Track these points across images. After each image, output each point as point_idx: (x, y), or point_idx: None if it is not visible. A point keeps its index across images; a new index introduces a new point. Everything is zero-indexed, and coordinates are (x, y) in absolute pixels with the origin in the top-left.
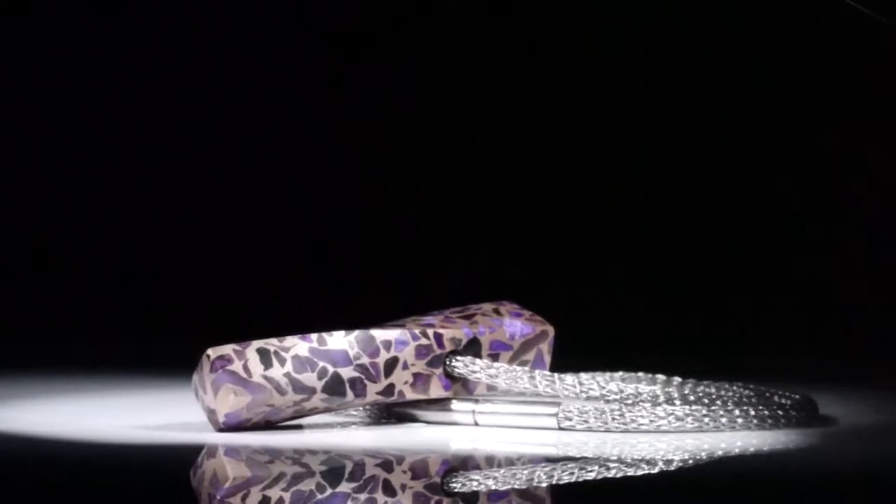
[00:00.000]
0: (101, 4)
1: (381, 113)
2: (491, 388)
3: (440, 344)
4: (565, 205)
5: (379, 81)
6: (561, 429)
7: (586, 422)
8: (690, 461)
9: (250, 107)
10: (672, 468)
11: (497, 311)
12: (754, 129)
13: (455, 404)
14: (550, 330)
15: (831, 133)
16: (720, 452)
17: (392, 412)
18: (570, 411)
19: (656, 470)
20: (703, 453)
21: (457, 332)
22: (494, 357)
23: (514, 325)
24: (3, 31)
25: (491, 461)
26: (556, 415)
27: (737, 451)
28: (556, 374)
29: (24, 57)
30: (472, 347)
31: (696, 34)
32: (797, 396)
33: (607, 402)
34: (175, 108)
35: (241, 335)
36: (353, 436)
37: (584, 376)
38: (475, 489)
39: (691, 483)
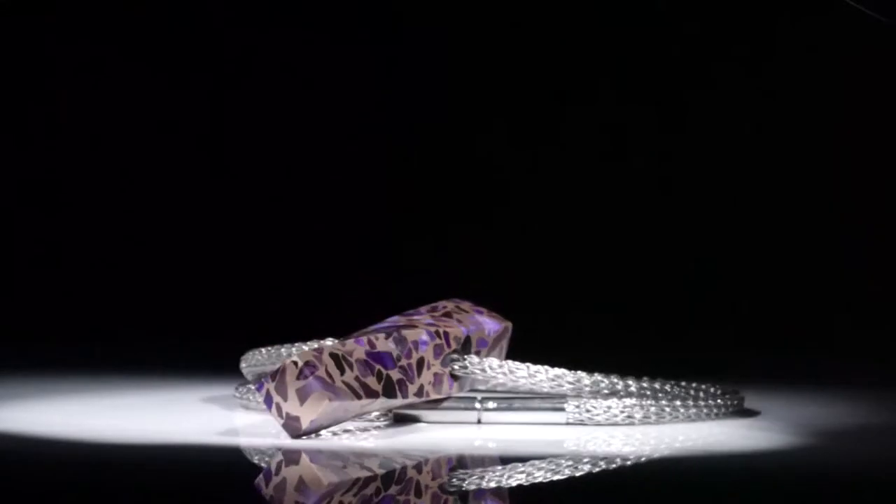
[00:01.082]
0: (103, 4)
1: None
2: (474, 383)
3: (448, 343)
4: (531, 205)
5: (373, 82)
6: (568, 424)
7: (594, 417)
8: (686, 455)
9: (244, 107)
10: (675, 464)
11: (463, 309)
12: (724, 125)
13: (459, 403)
14: (510, 325)
15: (821, 133)
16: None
17: (394, 414)
18: (577, 406)
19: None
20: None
21: (457, 330)
22: (478, 354)
23: (486, 322)
24: (7, 32)
25: (496, 460)
26: (564, 410)
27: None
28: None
29: (26, 56)
30: (466, 346)
31: (693, 32)
32: (719, 388)
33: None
34: (174, 109)
35: (239, 336)
36: (370, 437)
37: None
38: (473, 488)
39: (692, 480)
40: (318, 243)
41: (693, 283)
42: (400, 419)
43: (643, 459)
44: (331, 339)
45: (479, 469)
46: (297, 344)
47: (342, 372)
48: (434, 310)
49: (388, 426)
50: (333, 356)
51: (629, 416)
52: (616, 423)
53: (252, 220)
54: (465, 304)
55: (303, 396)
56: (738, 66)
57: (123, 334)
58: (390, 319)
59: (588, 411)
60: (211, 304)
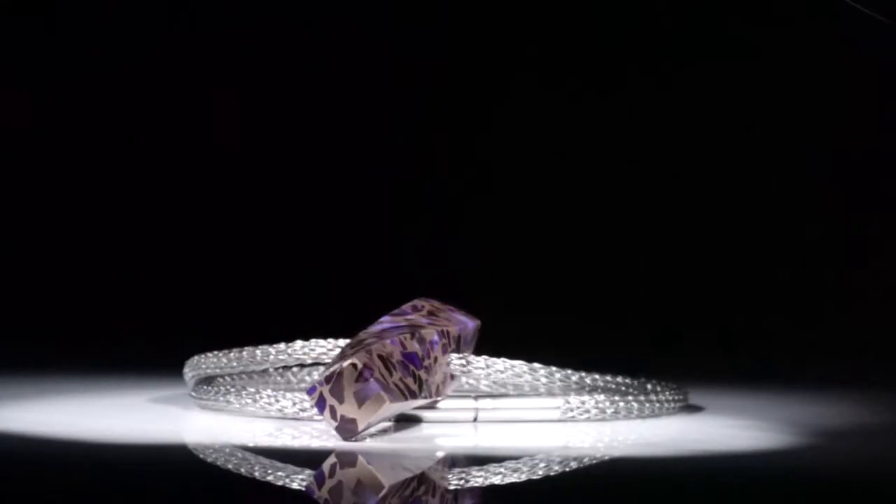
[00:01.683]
0: (104, 4)
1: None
2: (463, 380)
3: (450, 342)
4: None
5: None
6: (561, 421)
7: (587, 412)
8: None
9: (242, 107)
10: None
11: (438, 307)
12: (691, 124)
13: (456, 402)
14: (479, 323)
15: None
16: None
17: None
18: (569, 402)
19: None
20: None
21: (452, 329)
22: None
23: (465, 320)
24: (7, 32)
25: (492, 459)
26: (559, 408)
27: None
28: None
29: (26, 56)
30: (457, 345)
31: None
32: (661, 384)
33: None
34: (173, 110)
35: (234, 336)
36: (379, 437)
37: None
38: (470, 486)
39: (689, 478)
40: (293, 245)
41: (674, 282)
42: (399, 419)
43: (623, 457)
44: (319, 339)
45: (476, 468)
46: (277, 346)
47: (390, 374)
48: (416, 309)
49: (387, 426)
50: (381, 357)
51: (615, 412)
52: (605, 419)
53: (247, 223)
54: (437, 303)
55: (361, 399)
56: (708, 71)
57: (122, 334)
58: (384, 320)
59: (579, 407)
60: (207, 303)
